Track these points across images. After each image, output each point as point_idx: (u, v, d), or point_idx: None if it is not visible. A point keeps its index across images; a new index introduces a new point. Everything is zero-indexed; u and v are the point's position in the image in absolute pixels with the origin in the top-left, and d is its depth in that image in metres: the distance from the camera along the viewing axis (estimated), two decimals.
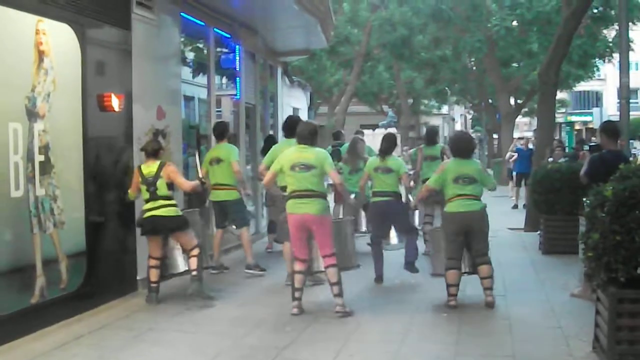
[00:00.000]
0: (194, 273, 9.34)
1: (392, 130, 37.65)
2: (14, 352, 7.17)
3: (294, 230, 8.89)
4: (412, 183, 12.06)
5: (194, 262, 9.35)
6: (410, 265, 10.79)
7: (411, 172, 13.16)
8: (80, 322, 8.37)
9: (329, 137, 19.23)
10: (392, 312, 9.07)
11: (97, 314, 8.76)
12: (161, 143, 9.91)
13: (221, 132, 11.59)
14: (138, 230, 9.52)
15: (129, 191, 9.50)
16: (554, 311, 8.93)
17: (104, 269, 9.17)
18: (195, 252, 9.36)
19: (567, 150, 22.68)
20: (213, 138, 12.66)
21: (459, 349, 7.40)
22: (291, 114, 20.91)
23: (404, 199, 11.20)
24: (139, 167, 9.38)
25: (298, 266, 8.93)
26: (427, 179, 12.73)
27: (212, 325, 8.42)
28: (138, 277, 9.93)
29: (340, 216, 12.58)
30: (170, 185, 9.39)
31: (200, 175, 10.77)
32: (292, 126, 10.42)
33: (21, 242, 7.86)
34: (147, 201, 9.27)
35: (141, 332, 8.05)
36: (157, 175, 9.23)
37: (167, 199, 9.29)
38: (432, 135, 14.03)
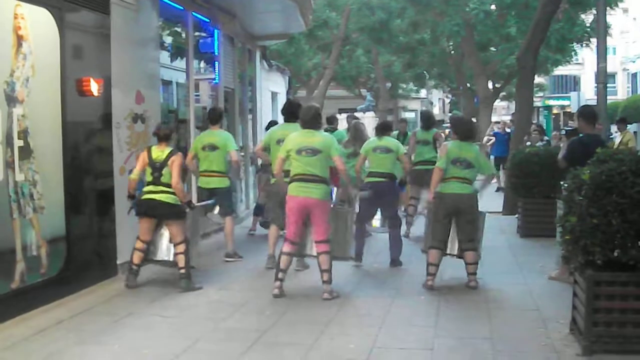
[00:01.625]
0: (182, 271, 9.33)
1: (370, 113, 37.69)
2: None
3: (293, 213, 8.92)
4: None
5: (181, 259, 9.32)
6: (395, 262, 10.81)
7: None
8: (61, 307, 8.37)
9: None
10: (372, 295, 9.13)
11: (77, 299, 8.75)
12: (172, 127, 9.85)
13: (217, 117, 11.53)
14: (121, 213, 9.55)
15: (133, 171, 9.50)
16: (531, 294, 9.02)
17: (83, 254, 9.18)
18: (182, 248, 9.33)
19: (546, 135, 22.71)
20: (192, 124, 12.68)
21: (437, 332, 7.47)
22: (270, 97, 20.95)
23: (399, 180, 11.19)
24: (149, 149, 9.41)
25: (287, 247, 8.97)
26: (418, 162, 12.91)
27: (193, 309, 8.44)
28: (118, 262, 9.94)
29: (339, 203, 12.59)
30: None
31: (187, 162, 10.72)
32: (291, 110, 10.46)
33: (1, 227, 7.83)
34: (149, 184, 9.30)
35: (122, 317, 8.06)
36: (164, 162, 9.23)
37: (169, 187, 9.26)
38: (429, 120, 14.10)
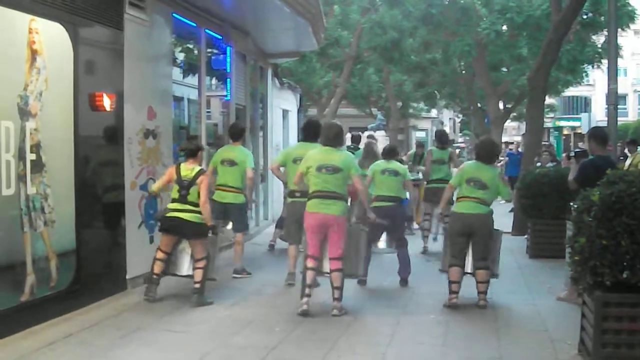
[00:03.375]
0: (197, 285, 9.33)
1: (381, 132, 37.72)
2: (3, 350, 7.18)
3: (312, 229, 8.98)
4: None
5: (199, 274, 9.33)
6: (405, 282, 10.83)
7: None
8: (70, 321, 8.38)
9: None
10: (380, 313, 9.12)
11: (86, 313, 8.77)
12: (200, 144, 9.87)
13: (239, 133, 11.60)
14: (131, 228, 9.62)
15: (155, 185, 9.67)
16: (540, 314, 9.01)
17: (93, 268, 9.20)
18: (202, 264, 9.33)
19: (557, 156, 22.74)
20: (203, 140, 12.72)
21: (445, 350, 7.47)
22: (281, 115, 20.99)
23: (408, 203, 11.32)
24: (178, 165, 9.46)
25: (310, 263, 9.00)
26: (432, 180, 13.28)
27: (201, 325, 8.44)
28: (127, 276, 9.95)
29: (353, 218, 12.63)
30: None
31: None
32: (311, 129, 10.49)
33: (12, 240, 7.85)
34: (174, 201, 9.33)
35: (130, 332, 8.08)
36: (193, 181, 9.27)
37: (196, 205, 9.29)
38: (443, 139, 14.46)
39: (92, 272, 9.17)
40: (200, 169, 9.45)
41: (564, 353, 7.31)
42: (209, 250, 9.55)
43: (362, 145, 16.49)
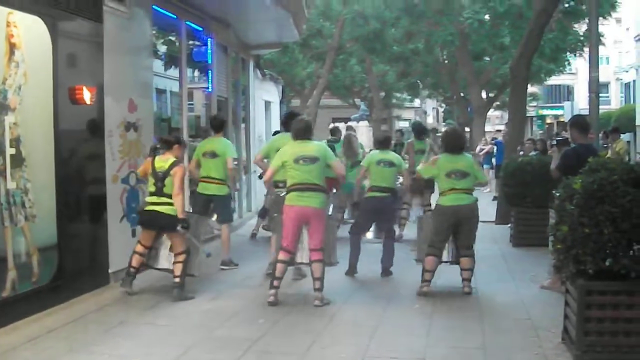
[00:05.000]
0: (177, 280, 9.29)
1: (364, 123, 37.71)
2: None
3: (292, 222, 8.96)
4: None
5: (178, 268, 9.29)
6: (386, 272, 10.82)
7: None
8: (52, 316, 8.33)
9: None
10: (364, 303, 9.13)
11: (68, 308, 8.71)
12: (180, 137, 9.86)
13: (220, 124, 11.59)
14: (113, 222, 9.61)
15: (138, 171, 9.82)
16: (523, 303, 9.03)
17: (75, 263, 9.15)
18: (181, 257, 9.30)
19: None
20: (185, 132, 12.70)
21: (429, 341, 7.47)
22: (263, 106, 20.96)
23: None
24: (154, 158, 9.41)
25: (283, 256, 9.01)
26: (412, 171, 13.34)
27: (185, 318, 8.42)
28: (110, 270, 9.90)
29: (330, 209, 12.68)
30: None
31: (190, 168, 10.96)
32: (292, 120, 10.48)
33: None
34: (151, 194, 9.29)
35: (113, 326, 8.03)
36: (167, 172, 9.22)
37: (171, 198, 9.24)
38: (420, 131, 14.95)
39: (74, 266, 9.12)
40: (175, 160, 9.37)
41: (548, 341, 7.32)
42: (189, 245, 9.51)
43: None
